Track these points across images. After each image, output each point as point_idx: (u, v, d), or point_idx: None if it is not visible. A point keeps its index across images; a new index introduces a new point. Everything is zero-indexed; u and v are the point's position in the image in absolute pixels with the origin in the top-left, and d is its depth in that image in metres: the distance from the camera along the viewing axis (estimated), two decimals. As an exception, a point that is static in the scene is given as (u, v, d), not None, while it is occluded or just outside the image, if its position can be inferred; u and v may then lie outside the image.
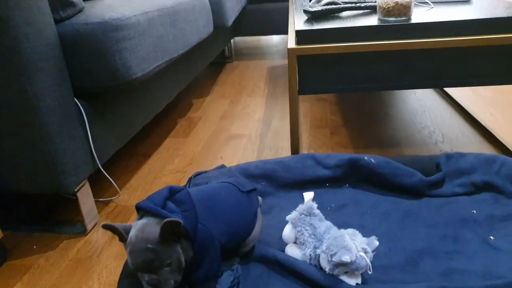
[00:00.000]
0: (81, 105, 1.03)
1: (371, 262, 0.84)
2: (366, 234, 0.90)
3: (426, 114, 1.77)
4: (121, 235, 0.73)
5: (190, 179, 1.15)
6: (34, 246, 1.06)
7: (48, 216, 1.18)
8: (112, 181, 1.20)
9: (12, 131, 0.94)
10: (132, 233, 0.72)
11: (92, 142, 1.08)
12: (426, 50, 1.15)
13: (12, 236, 1.09)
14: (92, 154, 1.08)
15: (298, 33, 1.18)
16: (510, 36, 1.11)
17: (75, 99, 1.02)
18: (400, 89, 1.19)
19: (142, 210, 0.76)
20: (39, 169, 0.98)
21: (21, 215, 1.19)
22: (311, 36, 1.17)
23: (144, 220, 0.73)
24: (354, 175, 1.19)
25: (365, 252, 0.84)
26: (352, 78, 1.20)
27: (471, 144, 1.48)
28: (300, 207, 1.01)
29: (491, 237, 0.97)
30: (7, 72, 0.87)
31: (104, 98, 1.14)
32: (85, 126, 1.05)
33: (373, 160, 1.16)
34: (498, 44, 1.12)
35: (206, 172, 1.20)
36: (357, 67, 1.19)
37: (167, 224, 0.69)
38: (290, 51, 1.17)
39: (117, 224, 0.73)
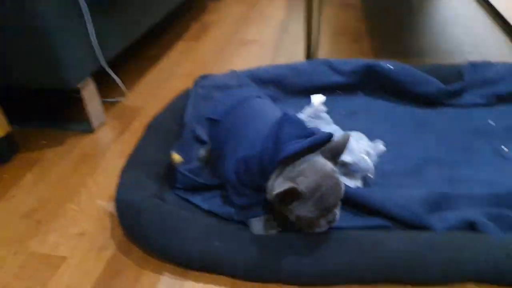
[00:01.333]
0: (81, -2, 0.98)
1: (375, 166, 0.82)
2: (373, 140, 0.87)
3: (458, 23, 1.61)
4: None
5: (196, 81, 1.11)
6: (43, 141, 1.08)
7: (56, 114, 1.19)
8: (117, 79, 1.18)
9: (12, 23, 0.91)
10: (314, 175, 0.62)
11: (95, 38, 1.03)
12: None
13: (22, 132, 1.11)
14: (94, 50, 1.05)
15: None
16: None
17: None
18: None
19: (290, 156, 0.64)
20: (41, 63, 0.96)
21: (30, 113, 1.20)
22: None
23: (310, 159, 0.63)
24: (369, 83, 1.13)
25: (368, 155, 0.81)
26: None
27: (503, 56, 1.36)
28: (307, 110, 0.97)
29: (505, 148, 0.92)
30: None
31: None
32: (85, 19, 1.00)
33: (391, 67, 1.08)
34: None
35: (212, 75, 1.15)
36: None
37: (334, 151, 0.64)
38: None
39: None
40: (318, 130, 0.69)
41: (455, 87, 1.06)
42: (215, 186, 0.83)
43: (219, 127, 0.78)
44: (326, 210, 0.64)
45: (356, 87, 1.13)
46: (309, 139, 0.63)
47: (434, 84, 1.06)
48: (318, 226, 0.66)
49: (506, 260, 0.66)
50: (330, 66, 1.14)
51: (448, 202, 0.77)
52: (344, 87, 1.13)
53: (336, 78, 1.12)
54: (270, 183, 0.65)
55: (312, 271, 0.67)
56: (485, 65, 1.10)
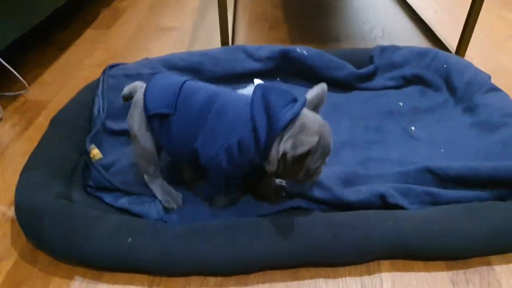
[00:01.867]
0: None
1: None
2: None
3: (370, 9, 1.68)
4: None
5: (104, 70, 1.04)
6: None
7: None
8: (13, 70, 1.06)
9: None
10: (315, 128, 0.64)
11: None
12: None
13: None
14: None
15: None
16: None
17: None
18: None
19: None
20: None
21: None
22: None
23: (304, 113, 0.65)
24: (285, 69, 1.13)
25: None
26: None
27: (410, 39, 1.44)
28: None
29: (412, 128, 0.98)
30: None
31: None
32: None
33: (305, 52, 1.10)
34: None
35: (123, 64, 1.09)
36: None
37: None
38: None
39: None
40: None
41: (366, 71, 1.10)
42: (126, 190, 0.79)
43: (173, 121, 0.71)
44: (326, 155, 0.68)
45: (273, 73, 1.13)
46: (299, 102, 0.66)
47: (347, 69, 1.09)
48: (320, 173, 0.69)
49: (415, 234, 0.69)
50: (246, 52, 1.13)
51: (361, 181, 0.80)
52: (262, 73, 1.13)
53: (253, 65, 1.12)
54: (274, 151, 0.64)
55: (230, 260, 0.66)
56: (393, 49, 1.16)
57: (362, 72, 1.10)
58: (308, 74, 1.11)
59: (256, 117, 0.65)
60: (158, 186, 0.78)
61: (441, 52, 1.14)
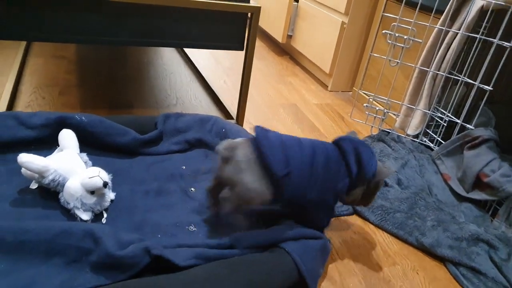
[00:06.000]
0: None
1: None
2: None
3: (167, 78, 1.79)
4: None
5: None
6: None
7: None
8: None
9: None
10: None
11: None
12: (136, 5, 1.11)
13: None
14: None
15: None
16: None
17: None
18: (113, 44, 1.13)
19: None
20: None
21: None
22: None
23: None
24: (66, 136, 1.08)
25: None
26: (56, 26, 1.06)
27: (201, 107, 1.57)
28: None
29: (192, 189, 1.03)
30: None
31: None
32: None
33: (84, 119, 1.07)
34: (207, 9, 1.18)
35: None
36: (61, 13, 1.06)
37: None
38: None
39: None
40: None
41: (149, 137, 1.14)
42: None
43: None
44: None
45: (51, 141, 1.06)
46: (372, 150, 0.90)
47: (129, 134, 1.11)
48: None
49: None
50: (18, 119, 1.04)
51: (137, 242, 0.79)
52: (37, 141, 1.05)
53: (26, 133, 1.03)
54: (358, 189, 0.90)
55: None
56: (177, 116, 1.24)
57: (145, 138, 1.13)
58: (90, 141, 1.08)
59: (351, 165, 0.86)
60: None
61: (220, 118, 1.26)
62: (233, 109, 1.58)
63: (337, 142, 0.90)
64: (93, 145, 1.09)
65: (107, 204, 0.91)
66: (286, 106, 1.76)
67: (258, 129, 0.86)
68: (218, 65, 2.10)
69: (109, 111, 1.40)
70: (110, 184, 0.91)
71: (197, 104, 1.59)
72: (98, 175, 0.87)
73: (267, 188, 0.82)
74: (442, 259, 1.00)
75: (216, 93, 1.70)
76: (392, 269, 0.96)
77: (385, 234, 1.07)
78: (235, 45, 1.28)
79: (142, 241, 0.78)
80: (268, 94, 1.85)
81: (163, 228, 0.88)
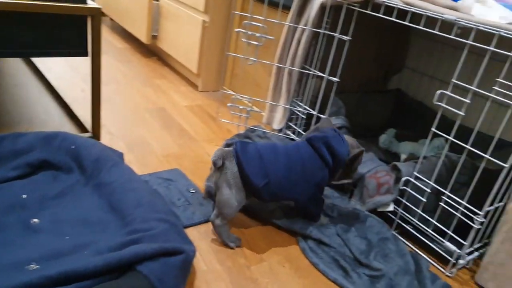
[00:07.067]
0: None
1: None
2: None
3: (8, 92, 1.57)
4: None
5: None
6: None
7: None
8: None
9: None
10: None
11: None
12: None
13: None
14: None
15: None
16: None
17: None
18: None
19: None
20: None
21: None
22: None
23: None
24: None
25: None
26: None
27: (52, 122, 1.41)
28: None
29: (35, 220, 0.91)
30: None
31: None
32: None
33: None
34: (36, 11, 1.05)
35: None
36: None
37: None
38: None
39: None
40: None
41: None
42: None
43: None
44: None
45: None
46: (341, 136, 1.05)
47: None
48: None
49: None
50: None
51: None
52: None
53: None
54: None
55: None
56: (16, 136, 1.08)
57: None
58: None
59: (326, 157, 1.01)
60: (225, 231, 0.99)
61: (69, 134, 1.14)
62: (90, 121, 1.44)
63: (308, 140, 1.03)
64: None
65: None
66: (153, 110, 1.68)
67: (237, 144, 0.96)
68: (74, 72, 1.92)
69: None
70: None
71: (47, 119, 1.43)
72: None
73: (237, 201, 0.95)
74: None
75: (70, 104, 1.54)
76: (259, 266, 0.96)
77: (252, 232, 1.08)
78: (78, 51, 1.16)
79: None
80: (133, 99, 1.75)
81: (-4, 272, 0.75)
